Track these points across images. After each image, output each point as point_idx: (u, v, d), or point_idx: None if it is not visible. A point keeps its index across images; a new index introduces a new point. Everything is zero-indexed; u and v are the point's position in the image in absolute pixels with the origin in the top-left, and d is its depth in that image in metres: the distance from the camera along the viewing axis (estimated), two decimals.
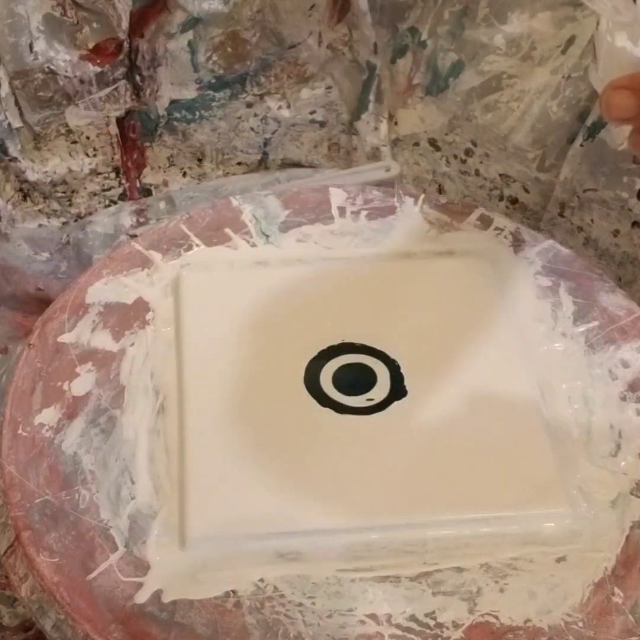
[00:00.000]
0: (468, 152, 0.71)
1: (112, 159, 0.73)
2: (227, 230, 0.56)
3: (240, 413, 0.46)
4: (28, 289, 0.66)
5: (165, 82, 0.70)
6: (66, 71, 0.66)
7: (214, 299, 0.52)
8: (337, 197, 0.59)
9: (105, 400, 0.47)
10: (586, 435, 0.46)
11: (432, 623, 0.40)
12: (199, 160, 0.75)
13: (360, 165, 0.75)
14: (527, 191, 0.70)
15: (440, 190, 0.74)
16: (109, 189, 0.74)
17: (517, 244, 0.56)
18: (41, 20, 0.65)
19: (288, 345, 0.50)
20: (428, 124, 0.72)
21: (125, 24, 0.66)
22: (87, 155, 0.72)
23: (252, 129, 0.74)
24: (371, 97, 0.73)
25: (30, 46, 0.65)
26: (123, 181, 0.74)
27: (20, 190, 0.71)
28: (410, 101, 0.73)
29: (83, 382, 0.48)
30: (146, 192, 0.75)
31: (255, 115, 0.73)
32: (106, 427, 0.46)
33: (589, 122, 0.63)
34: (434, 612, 0.40)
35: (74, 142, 0.71)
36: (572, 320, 0.52)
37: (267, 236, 0.56)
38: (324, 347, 0.50)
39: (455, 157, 0.73)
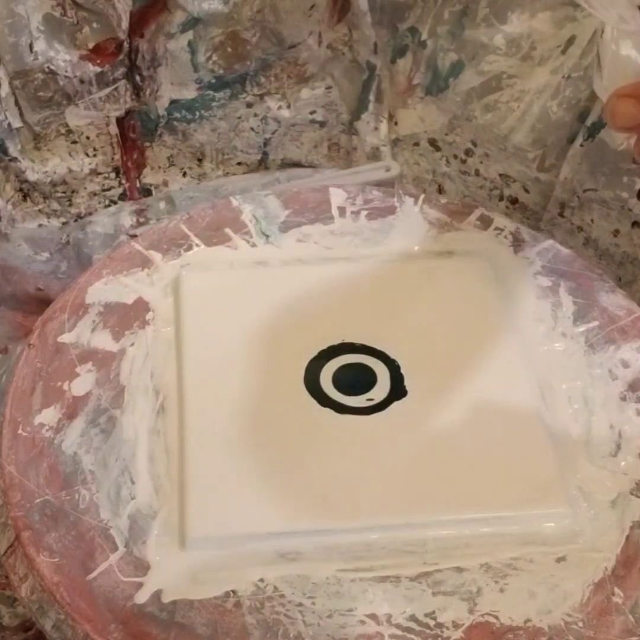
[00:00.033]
0: (468, 152, 0.71)
1: (112, 159, 0.73)
2: (227, 230, 0.56)
3: (240, 413, 0.46)
4: (28, 289, 0.66)
5: (165, 82, 0.70)
6: (66, 71, 0.66)
7: (214, 299, 0.52)
8: (337, 197, 0.59)
9: (105, 400, 0.47)
10: (586, 435, 0.46)
11: (432, 623, 0.39)
12: (199, 160, 0.75)
13: (360, 165, 0.75)
14: (527, 191, 0.70)
15: (440, 190, 0.74)
16: (109, 189, 0.74)
17: (517, 244, 0.56)
18: (41, 20, 0.65)
19: (288, 345, 0.50)
20: (428, 124, 0.72)
21: (125, 24, 0.65)
22: (87, 155, 0.72)
23: (252, 129, 0.74)
24: (371, 97, 0.73)
25: (30, 46, 0.65)
26: (123, 181, 0.74)
27: (20, 190, 0.71)
28: (410, 101, 0.73)
29: (83, 382, 0.48)
30: (146, 192, 0.75)
31: (255, 115, 0.73)
32: (106, 427, 0.46)
33: (589, 122, 0.63)
34: (434, 612, 0.40)
35: (74, 142, 0.71)
36: (572, 320, 0.52)
37: (267, 236, 0.56)
38: (324, 347, 0.50)
39: (455, 157, 0.72)
